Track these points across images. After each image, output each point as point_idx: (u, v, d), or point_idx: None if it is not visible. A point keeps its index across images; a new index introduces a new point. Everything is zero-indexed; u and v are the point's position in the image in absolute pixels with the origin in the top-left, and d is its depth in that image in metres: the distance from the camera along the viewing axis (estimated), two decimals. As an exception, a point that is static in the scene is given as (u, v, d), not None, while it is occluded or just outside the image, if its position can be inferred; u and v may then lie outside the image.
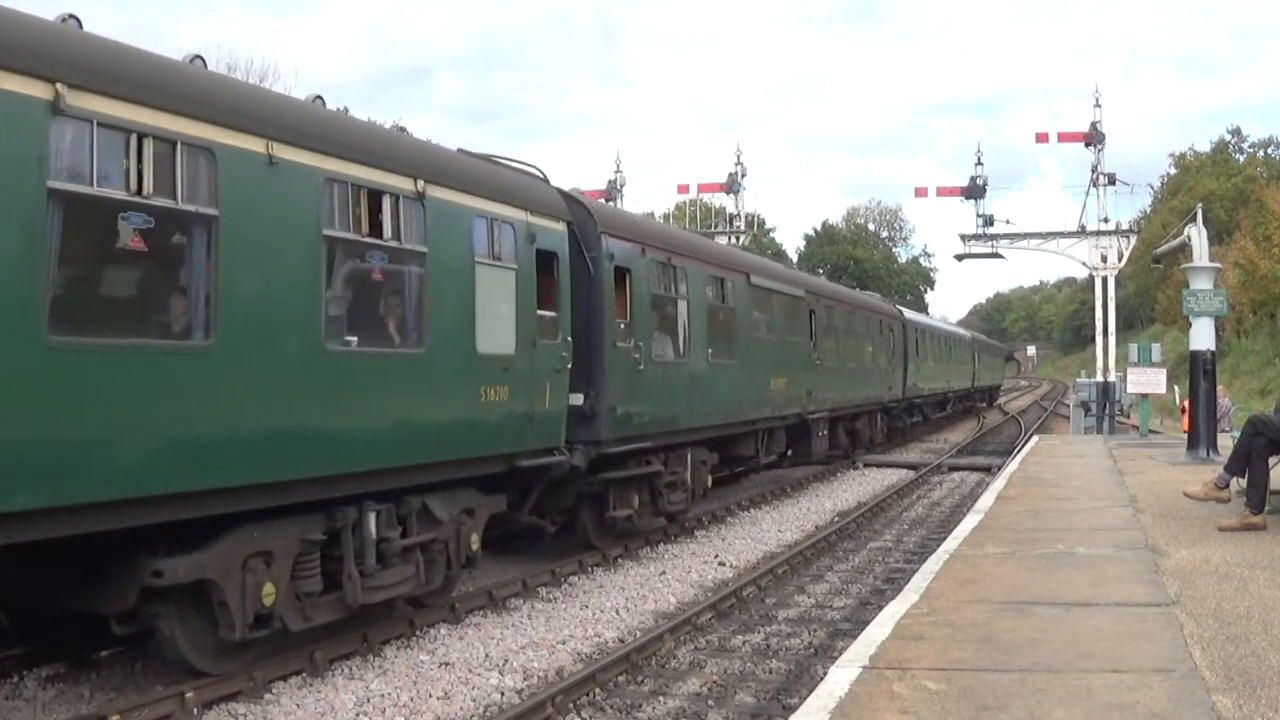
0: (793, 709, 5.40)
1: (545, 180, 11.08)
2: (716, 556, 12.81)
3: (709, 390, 14.30)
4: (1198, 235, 16.27)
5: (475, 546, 9.33)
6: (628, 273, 12.08)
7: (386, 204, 8.03)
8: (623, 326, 11.88)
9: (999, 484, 13.41)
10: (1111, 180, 31.20)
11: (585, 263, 11.24)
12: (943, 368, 36.32)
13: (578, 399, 10.93)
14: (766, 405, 16.75)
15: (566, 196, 11.33)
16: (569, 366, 10.54)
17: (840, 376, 21.92)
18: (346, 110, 9.58)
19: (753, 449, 16.90)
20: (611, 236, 11.73)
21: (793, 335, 18.53)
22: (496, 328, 9.37)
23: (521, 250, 9.85)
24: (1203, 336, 15.52)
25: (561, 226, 10.73)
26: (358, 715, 7.01)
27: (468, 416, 9.02)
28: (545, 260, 10.32)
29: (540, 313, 10.13)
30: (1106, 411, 28.83)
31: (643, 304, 12.44)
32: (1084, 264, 32.31)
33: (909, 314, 32.95)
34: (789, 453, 19.49)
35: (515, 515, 10.51)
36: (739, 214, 37.72)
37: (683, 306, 13.70)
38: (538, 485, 10.51)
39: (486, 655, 8.37)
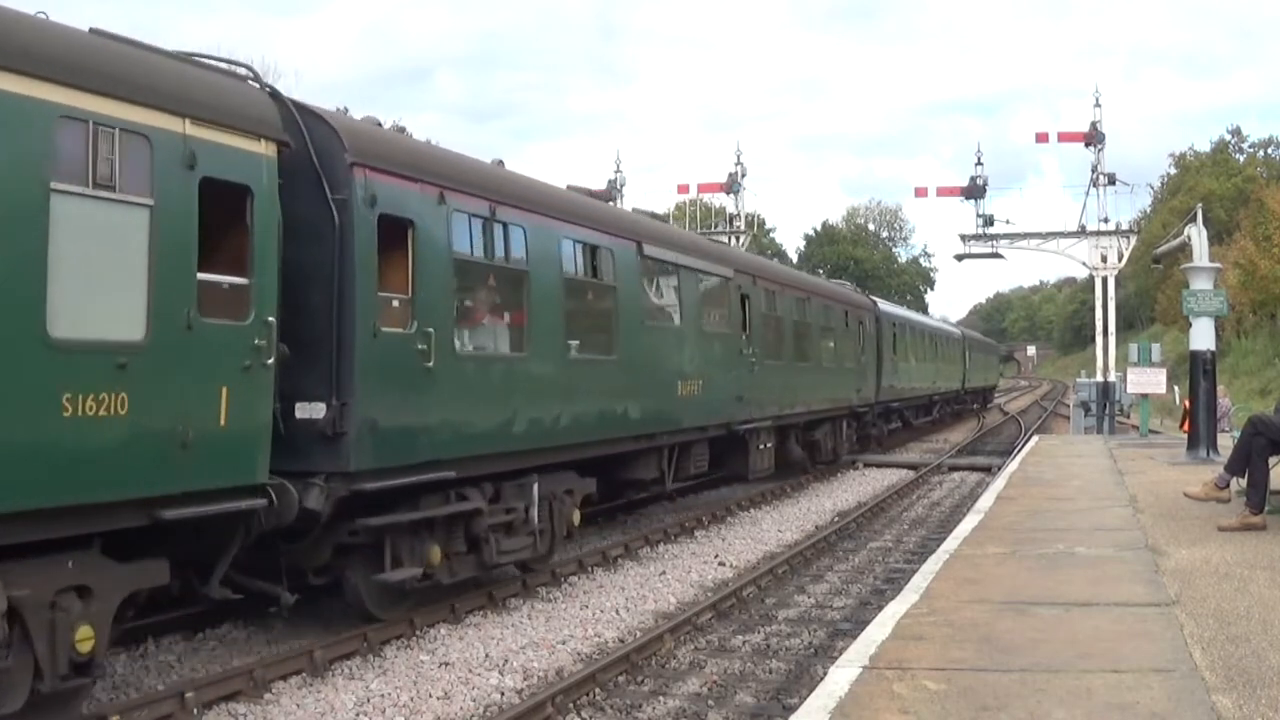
0: (793, 709, 5.41)
1: (255, 79, 7.82)
2: (716, 556, 12.81)
3: (571, 395, 10.63)
4: (1198, 235, 16.29)
5: (89, 648, 5.94)
6: (410, 227, 8.40)
7: None
8: (397, 304, 8.37)
9: (999, 484, 13.42)
10: (1111, 180, 31.19)
11: (328, 208, 7.71)
12: (927, 367, 33.16)
13: (316, 410, 7.59)
14: (672, 414, 13.20)
15: (295, 107, 7.88)
16: (271, 361, 7.02)
17: (788, 377, 18.10)
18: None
19: (655, 470, 13.17)
20: (376, 172, 8.05)
21: (714, 325, 14.97)
22: (101, 297, 6.13)
23: (166, 178, 6.39)
24: (1203, 336, 15.53)
25: (266, 149, 7.15)
26: (358, 715, 7.01)
27: (27, 442, 5.59)
28: (227, 198, 6.88)
29: (208, 277, 6.75)
30: (1106, 411, 28.84)
31: (438, 273, 8.71)
32: (1084, 264, 32.29)
33: (884, 305, 29.39)
34: (719, 472, 16.64)
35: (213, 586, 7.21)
36: (739, 214, 37.74)
37: (523, 280, 9.92)
38: (234, 543, 7.13)
39: (486, 655, 8.37)
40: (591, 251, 11.54)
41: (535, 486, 10.10)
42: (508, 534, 9.76)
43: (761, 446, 16.60)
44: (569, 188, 12.97)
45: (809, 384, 19.61)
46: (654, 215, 15.62)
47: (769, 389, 16.88)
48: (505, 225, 9.72)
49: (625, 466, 12.78)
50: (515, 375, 9.94)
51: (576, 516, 11.08)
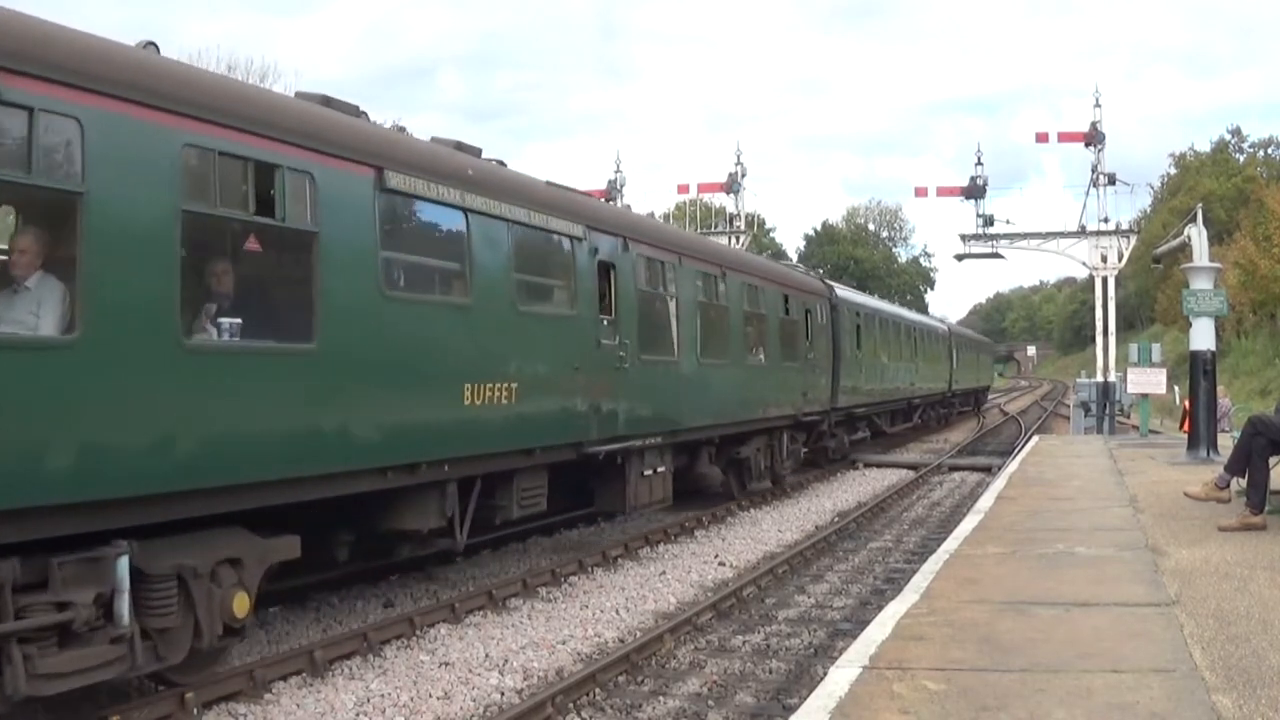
0: (793, 709, 5.41)
1: None
2: (716, 556, 12.81)
3: (203, 407, 6.50)
4: (1198, 235, 16.29)
5: None
6: None
7: None
8: None
9: (999, 484, 13.41)
10: (1111, 180, 31.28)
11: None
12: (902, 367, 29.00)
13: None
14: (455, 433, 8.87)
15: None
16: None
17: (691, 378, 13.51)
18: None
19: (434, 516, 8.90)
20: None
21: (547, 305, 10.68)
22: None
23: None
24: (1203, 336, 15.53)
25: None
26: (358, 715, 7.01)
27: None
28: None
29: None
30: (1106, 411, 28.86)
31: None
32: (1084, 264, 32.37)
33: (844, 291, 24.42)
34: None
35: None
36: (739, 214, 37.77)
37: (69, 213, 5.87)
38: None
39: (486, 655, 8.37)
40: (260, 173, 7.03)
41: (123, 560, 6.00)
42: (64, 644, 5.77)
43: (648, 472, 12.39)
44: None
45: (728, 387, 14.94)
46: (460, 146, 9.87)
47: (656, 395, 12.53)
48: (29, 113, 5.55)
49: (383, 514, 8.74)
50: (48, 376, 5.68)
51: (242, 602, 6.81)
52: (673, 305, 13.42)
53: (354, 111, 8.50)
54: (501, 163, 10.60)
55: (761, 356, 16.80)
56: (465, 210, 9.06)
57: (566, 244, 10.89)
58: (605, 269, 11.61)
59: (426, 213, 8.90)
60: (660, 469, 12.83)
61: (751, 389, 16.14)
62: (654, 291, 13.05)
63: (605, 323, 11.48)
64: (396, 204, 8.40)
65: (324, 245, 7.47)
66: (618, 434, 11.57)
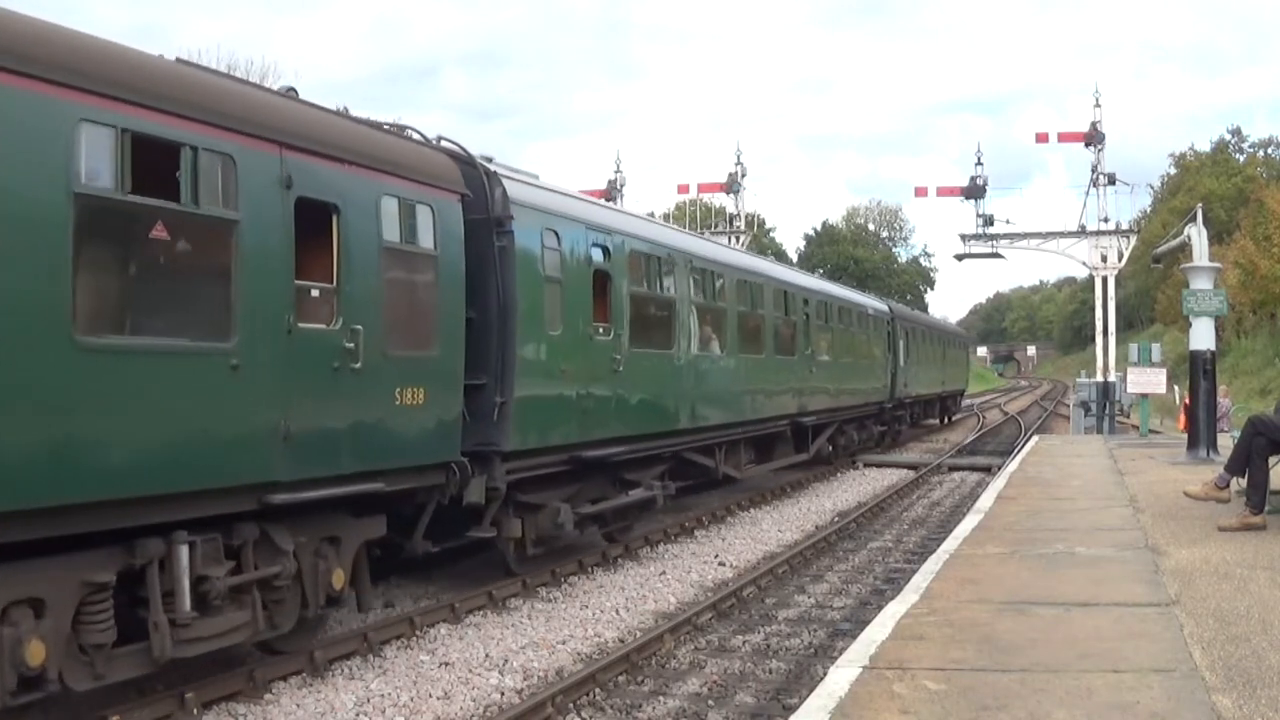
0: (793, 709, 5.41)
1: None
2: (716, 556, 12.81)
3: None
4: (1198, 235, 16.29)
5: None
6: None
7: None
8: None
9: (999, 484, 13.41)
10: (1111, 180, 31.27)
11: None
12: (773, 364, 17.44)
13: None
14: None
15: None
16: None
17: None
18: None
19: None
20: None
21: None
22: None
23: None
24: (1203, 336, 15.53)
25: None
26: (358, 715, 7.01)
27: None
28: None
29: None
30: (1106, 411, 28.86)
31: None
32: (1084, 264, 32.36)
33: (549, 196, 10.77)
34: None
35: None
36: (739, 214, 37.78)
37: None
38: None
39: (486, 655, 8.37)
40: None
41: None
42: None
43: None
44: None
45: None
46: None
47: None
48: None
49: None
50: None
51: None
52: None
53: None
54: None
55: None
56: None
57: None
58: None
59: None
60: None
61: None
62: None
63: None
64: None
65: None
66: None
